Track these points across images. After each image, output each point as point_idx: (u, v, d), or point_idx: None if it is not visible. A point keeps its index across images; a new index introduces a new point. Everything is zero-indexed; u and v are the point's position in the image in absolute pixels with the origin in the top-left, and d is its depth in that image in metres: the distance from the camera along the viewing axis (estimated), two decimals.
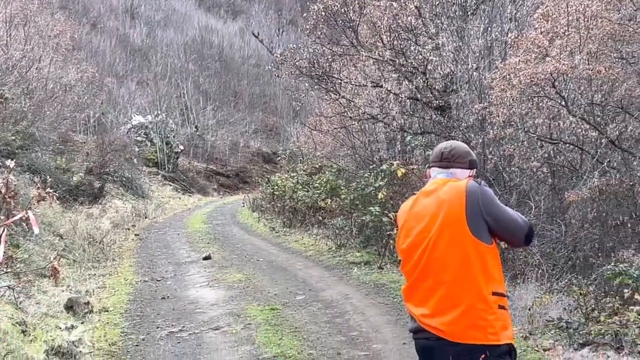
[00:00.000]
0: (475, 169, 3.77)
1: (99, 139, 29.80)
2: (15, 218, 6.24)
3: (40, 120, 21.38)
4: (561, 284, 9.04)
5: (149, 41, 62.24)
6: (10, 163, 6.04)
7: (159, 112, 41.68)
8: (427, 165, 3.92)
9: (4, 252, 6.28)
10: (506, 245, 3.73)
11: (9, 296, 8.46)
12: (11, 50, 21.80)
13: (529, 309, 7.91)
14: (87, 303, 10.26)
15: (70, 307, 10.00)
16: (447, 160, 3.71)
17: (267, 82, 61.54)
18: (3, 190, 5.89)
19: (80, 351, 8.09)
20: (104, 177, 25.33)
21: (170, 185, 38.44)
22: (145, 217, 25.84)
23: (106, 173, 26.51)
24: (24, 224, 13.17)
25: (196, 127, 50.21)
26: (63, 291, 11.47)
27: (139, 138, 38.85)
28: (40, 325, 9.00)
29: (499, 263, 3.54)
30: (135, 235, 20.40)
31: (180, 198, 36.01)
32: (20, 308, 9.29)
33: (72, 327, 9.21)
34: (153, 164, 39.04)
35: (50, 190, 6.13)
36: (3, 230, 6.05)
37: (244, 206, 27.87)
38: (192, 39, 65.21)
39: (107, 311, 10.14)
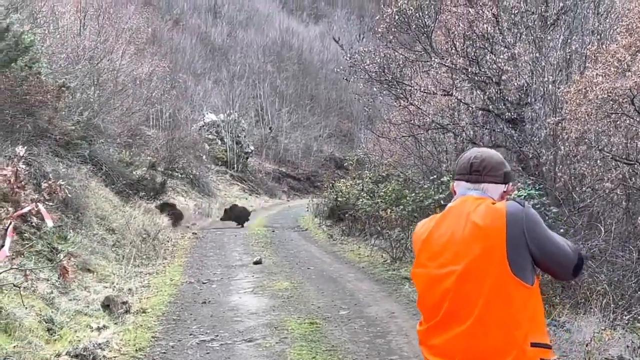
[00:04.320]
0: (510, 183, 3.08)
1: (168, 134, 29.82)
2: (23, 211, 5.78)
3: (108, 112, 21.26)
4: (627, 317, 8.20)
5: (229, 41, 62.61)
6: (21, 150, 5.50)
7: (232, 111, 41.75)
8: (452, 178, 3.16)
9: (10, 246, 5.84)
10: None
11: (15, 293, 7.99)
12: (84, 41, 21.79)
13: (587, 345, 7.12)
14: (125, 302, 9.90)
15: (107, 305, 9.66)
16: (478, 174, 3.02)
17: (345, 87, 61.22)
18: (12, 180, 5.38)
19: (105, 355, 7.67)
20: (169, 172, 25.23)
21: (238, 185, 38.45)
22: (209, 216, 25.68)
23: (172, 169, 26.44)
24: (75, 215, 12.98)
25: (270, 128, 50.26)
26: (106, 288, 11.16)
27: (210, 136, 38.99)
28: (70, 324, 8.65)
29: (541, 307, 2.86)
30: (193, 233, 20.17)
31: (246, 199, 35.93)
32: (51, 304, 8.95)
33: (104, 327, 8.83)
34: (222, 162, 39.11)
35: (62, 183, 5.66)
36: (10, 224, 5.56)
37: (307, 211, 27.50)
38: (272, 40, 65.43)
39: (145, 312, 9.80)
